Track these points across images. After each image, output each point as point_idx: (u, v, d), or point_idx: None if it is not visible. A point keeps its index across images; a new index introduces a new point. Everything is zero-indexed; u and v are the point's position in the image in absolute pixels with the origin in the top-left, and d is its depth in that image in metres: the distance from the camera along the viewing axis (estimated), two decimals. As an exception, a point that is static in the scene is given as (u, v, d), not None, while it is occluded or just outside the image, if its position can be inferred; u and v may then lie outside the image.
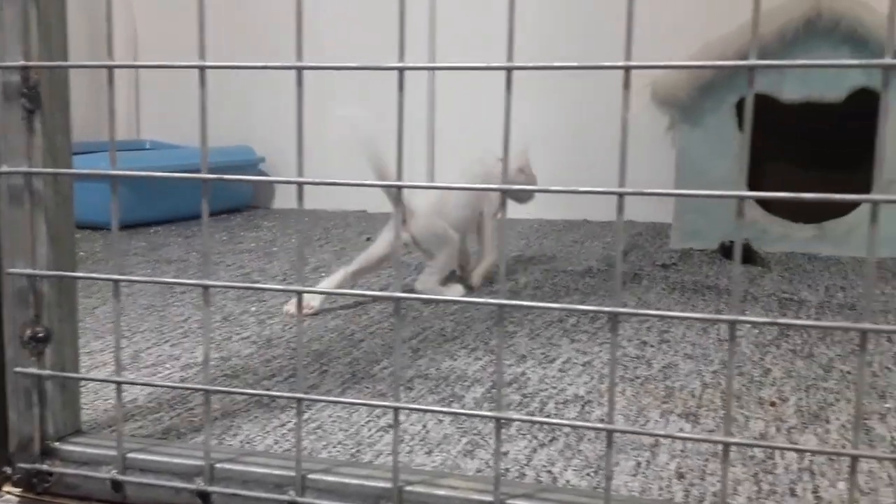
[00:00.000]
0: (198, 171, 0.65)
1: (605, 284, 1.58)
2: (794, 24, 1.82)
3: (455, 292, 1.46)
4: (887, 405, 0.95)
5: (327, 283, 1.39)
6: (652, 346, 1.17)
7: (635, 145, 2.21)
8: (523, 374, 1.05)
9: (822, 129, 2.04)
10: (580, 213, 2.41)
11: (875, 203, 0.51)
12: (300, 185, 0.64)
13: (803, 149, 2.15)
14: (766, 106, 1.88)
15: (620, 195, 0.57)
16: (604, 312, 0.58)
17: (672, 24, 2.27)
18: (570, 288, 1.55)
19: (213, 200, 2.47)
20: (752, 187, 1.94)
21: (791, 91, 1.86)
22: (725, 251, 1.85)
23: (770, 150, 2.11)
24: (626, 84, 0.54)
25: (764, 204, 2.00)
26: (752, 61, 0.51)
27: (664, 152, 1.97)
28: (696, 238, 1.94)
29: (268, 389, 0.99)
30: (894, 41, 0.49)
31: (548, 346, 1.17)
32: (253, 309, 1.37)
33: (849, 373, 1.06)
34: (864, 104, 1.71)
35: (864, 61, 0.49)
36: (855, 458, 0.54)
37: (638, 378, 1.04)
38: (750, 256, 1.78)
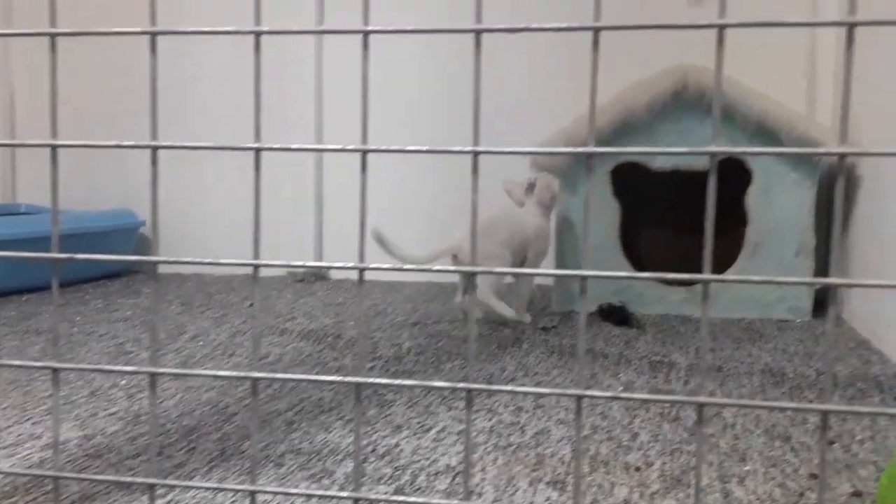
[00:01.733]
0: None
1: (487, 350, 1.60)
2: (663, 96, 1.91)
3: (507, 308, 1.78)
4: (747, 468, 0.98)
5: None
6: (527, 411, 1.19)
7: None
8: (397, 445, 1.05)
9: (691, 195, 2.13)
10: (466, 277, 2.44)
11: (706, 283, 0.53)
12: (155, 263, 0.63)
13: (675, 215, 2.24)
14: (639, 174, 1.96)
15: (473, 274, 0.58)
16: (459, 388, 0.59)
17: (547, 95, 2.35)
18: (453, 353, 1.56)
19: (91, 265, 2.40)
20: (627, 253, 2.00)
21: (661, 159, 1.94)
22: (604, 314, 1.90)
23: (644, 216, 2.19)
24: (475, 169, 0.56)
25: (639, 267, 2.07)
26: (590, 148, 0.54)
27: (544, 218, 2.02)
28: (577, 301, 1.99)
29: (132, 469, 0.96)
30: (720, 131, 0.53)
31: (425, 415, 1.17)
32: (122, 382, 1.32)
33: (712, 435, 1.10)
34: (729, 173, 1.80)
35: (692, 149, 0.52)
36: (698, 529, 0.56)
37: (511, 445, 1.05)
38: (626, 319, 1.83)
